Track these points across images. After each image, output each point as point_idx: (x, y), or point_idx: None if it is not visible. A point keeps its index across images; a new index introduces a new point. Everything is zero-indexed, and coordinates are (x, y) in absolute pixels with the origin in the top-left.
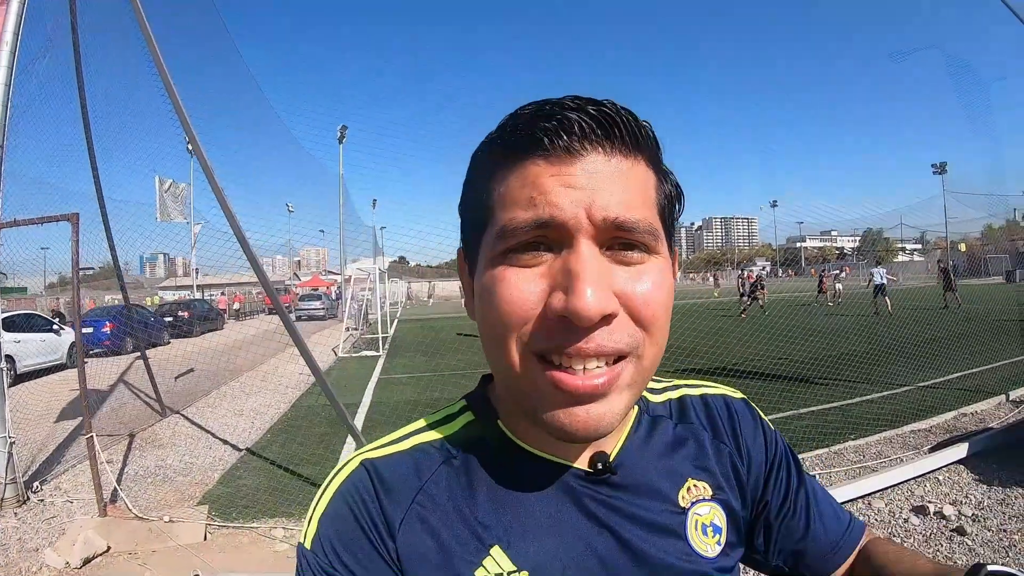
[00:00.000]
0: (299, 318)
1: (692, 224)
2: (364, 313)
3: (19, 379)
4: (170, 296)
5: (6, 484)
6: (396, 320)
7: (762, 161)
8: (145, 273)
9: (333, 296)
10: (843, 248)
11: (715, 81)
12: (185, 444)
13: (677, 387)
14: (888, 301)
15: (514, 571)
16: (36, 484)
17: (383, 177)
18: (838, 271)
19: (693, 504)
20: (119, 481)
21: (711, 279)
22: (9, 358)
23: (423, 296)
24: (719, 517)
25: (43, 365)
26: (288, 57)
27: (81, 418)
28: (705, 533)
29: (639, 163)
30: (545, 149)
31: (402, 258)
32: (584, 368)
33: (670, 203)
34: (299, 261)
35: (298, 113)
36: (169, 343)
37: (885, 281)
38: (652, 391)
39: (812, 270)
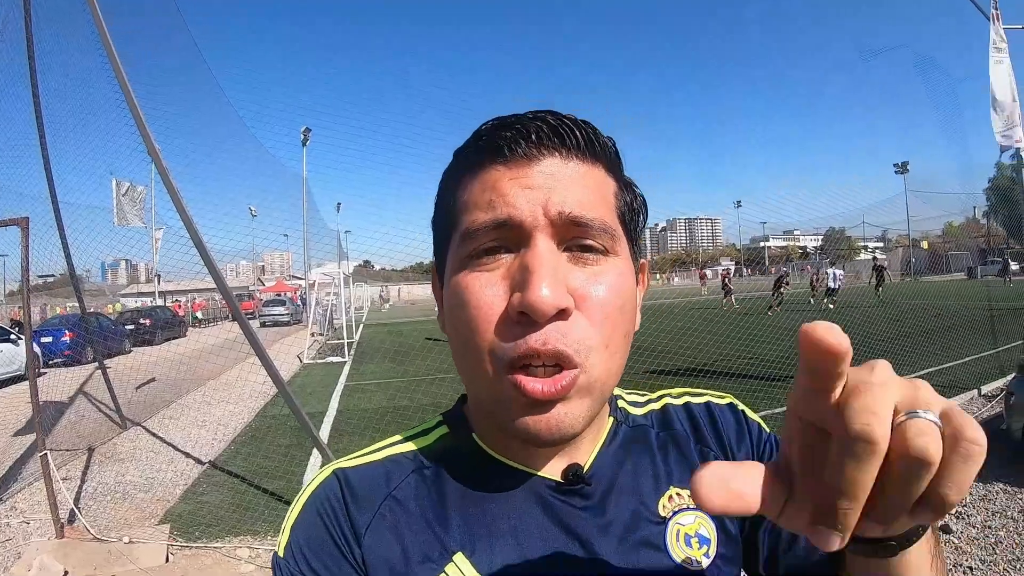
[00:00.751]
0: (263, 324)
1: (656, 225)
2: (329, 318)
3: None
4: (132, 303)
5: None
6: (362, 325)
7: (729, 160)
8: (107, 280)
9: (298, 301)
10: (806, 247)
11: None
12: (146, 458)
13: (660, 398)
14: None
15: None
16: None
17: (348, 180)
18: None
19: (675, 513)
20: (78, 498)
21: (673, 279)
22: None
23: (387, 301)
24: (707, 528)
25: (3, 376)
26: (250, 54)
27: (44, 432)
28: (689, 544)
29: (597, 169)
30: (504, 155)
31: (367, 262)
32: (544, 369)
33: (632, 212)
34: (263, 266)
35: (261, 113)
36: (130, 352)
37: (838, 285)
38: (634, 404)
39: (771, 269)
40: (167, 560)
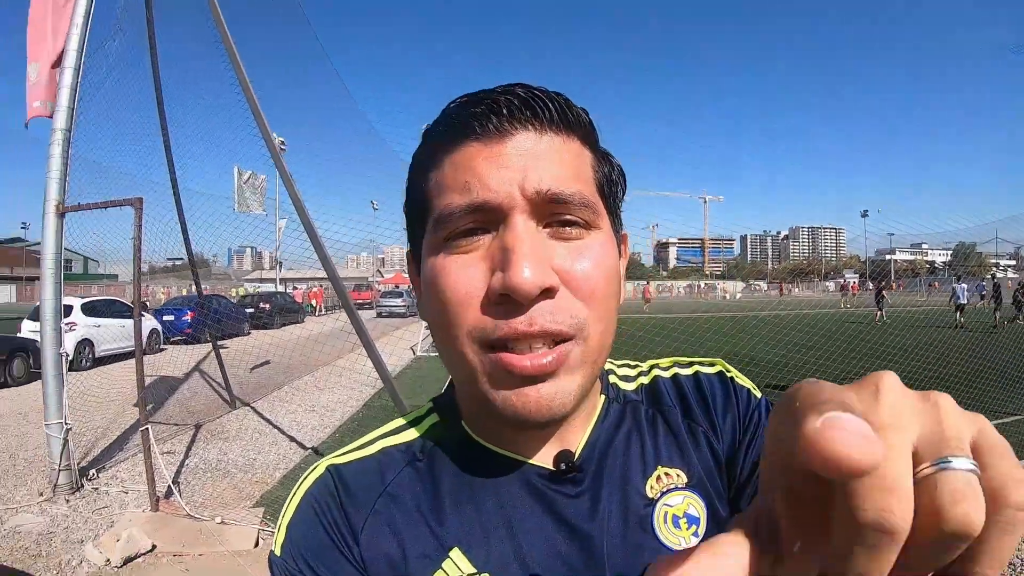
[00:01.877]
0: (380, 314)
1: (778, 233)
2: None
3: (98, 362)
4: (253, 289)
5: (60, 471)
6: None
7: (851, 169)
8: (233, 265)
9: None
10: (934, 262)
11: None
12: (251, 438)
13: (650, 370)
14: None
15: (474, 573)
16: (93, 472)
17: None
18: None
19: (663, 494)
20: (179, 472)
21: (792, 290)
22: (88, 342)
23: None
24: (695, 507)
25: (123, 350)
26: (375, 50)
27: (154, 405)
28: (677, 525)
29: (572, 141)
30: (476, 132)
31: None
32: (531, 347)
33: (610, 183)
34: (383, 258)
35: (383, 109)
36: (249, 334)
37: (966, 300)
38: (625, 379)
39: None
40: (256, 545)
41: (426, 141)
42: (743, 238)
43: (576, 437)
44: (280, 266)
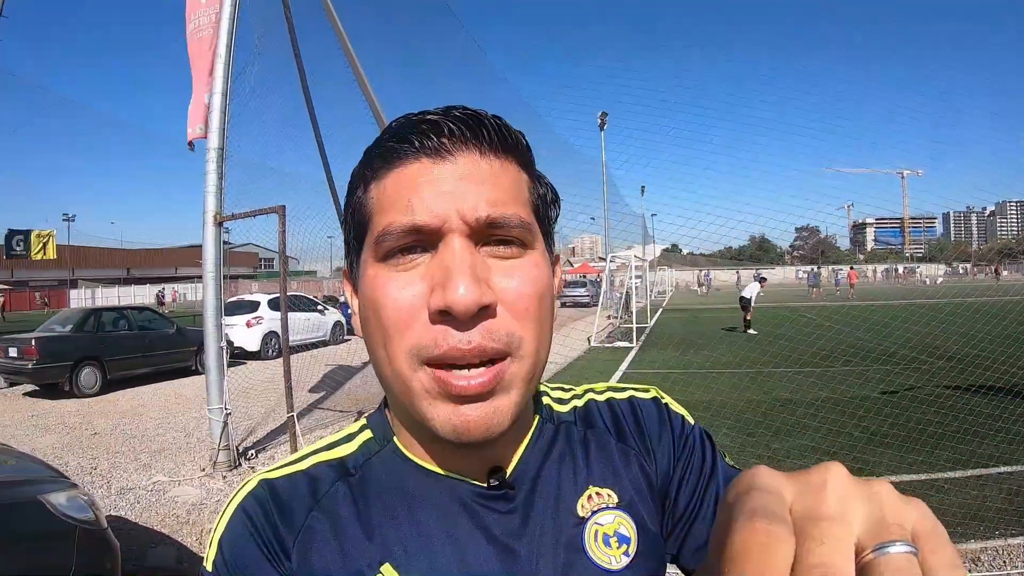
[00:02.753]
0: (563, 304)
1: (983, 209)
2: (625, 302)
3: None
4: None
5: (219, 449)
6: (660, 310)
7: None
8: None
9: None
10: None
11: None
12: None
13: (584, 393)
14: None
15: None
16: (252, 452)
17: (652, 162)
18: None
19: (594, 513)
20: None
21: (1001, 272)
22: (274, 334)
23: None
24: (626, 526)
25: (307, 340)
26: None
27: (326, 392)
28: (608, 544)
29: (510, 164)
30: (417, 151)
31: (674, 245)
32: (468, 368)
33: (545, 204)
34: (573, 248)
35: (555, 99)
36: None
37: None
38: (559, 401)
39: None
40: None
41: (368, 158)
42: (945, 216)
43: (509, 455)
44: None
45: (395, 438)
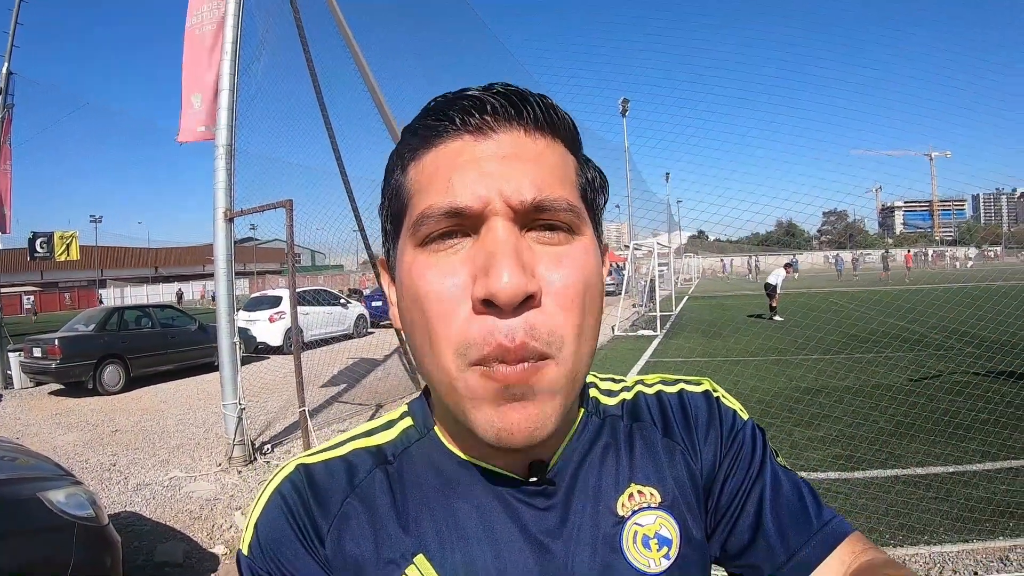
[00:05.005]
0: None
1: (1014, 190)
2: (649, 290)
3: (307, 347)
4: None
5: (234, 445)
6: (686, 298)
7: None
8: None
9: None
10: None
11: None
12: None
13: (634, 385)
14: None
15: None
16: (268, 447)
17: (678, 149)
18: None
19: (634, 513)
20: None
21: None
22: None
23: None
24: (668, 527)
25: (330, 334)
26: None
27: (346, 385)
28: (647, 546)
29: (556, 144)
30: (458, 129)
31: (701, 232)
32: (512, 362)
33: (593, 189)
34: None
35: (578, 86)
36: None
37: None
38: (608, 393)
39: None
40: None
41: (406, 137)
42: (974, 198)
43: (551, 449)
44: None
45: (436, 427)
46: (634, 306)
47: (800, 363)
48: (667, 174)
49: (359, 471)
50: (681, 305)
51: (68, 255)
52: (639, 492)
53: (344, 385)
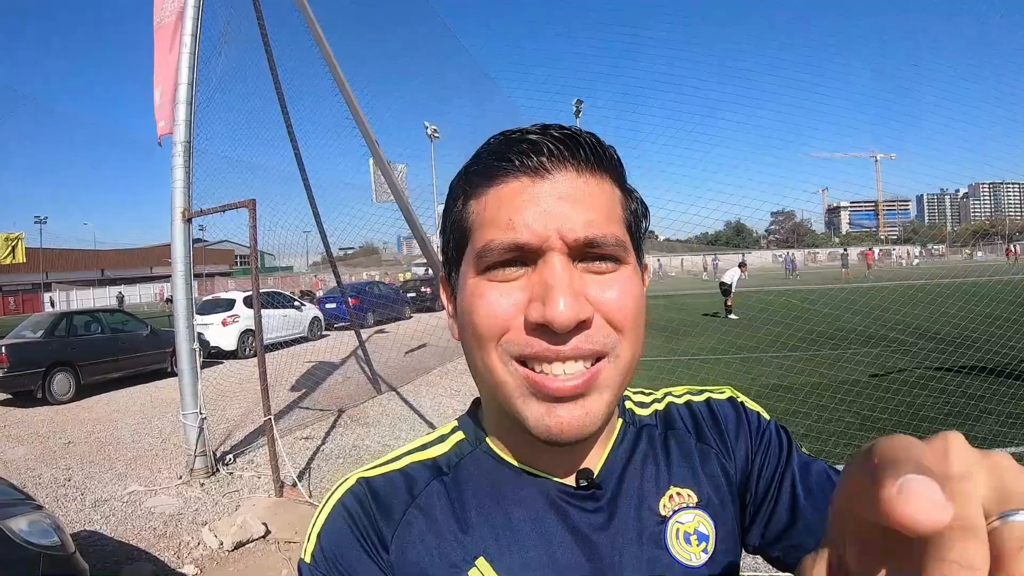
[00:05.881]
0: None
1: (957, 191)
2: None
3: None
4: (421, 271)
5: (196, 456)
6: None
7: None
8: (403, 251)
9: None
10: None
11: None
12: (390, 424)
13: (664, 397)
14: None
15: None
16: (230, 457)
17: (631, 146)
18: None
19: (675, 512)
20: (312, 458)
21: (976, 253)
22: (251, 332)
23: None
24: (705, 524)
25: (285, 338)
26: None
27: (305, 391)
28: (688, 541)
29: (605, 181)
30: (517, 170)
31: (651, 232)
32: (564, 371)
33: (636, 219)
34: None
35: (526, 85)
36: (411, 317)
37: None
38: (641, 404)
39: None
40: None
41: (467, 173)
42: (919, 198)
43: (596, 457)
44: (440, 250)
45: (487, 439)
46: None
47: (763, 360)
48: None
49: (418, 482)
50: None
51: (14, 258)
52: (678, 493)
53: (304, 390)
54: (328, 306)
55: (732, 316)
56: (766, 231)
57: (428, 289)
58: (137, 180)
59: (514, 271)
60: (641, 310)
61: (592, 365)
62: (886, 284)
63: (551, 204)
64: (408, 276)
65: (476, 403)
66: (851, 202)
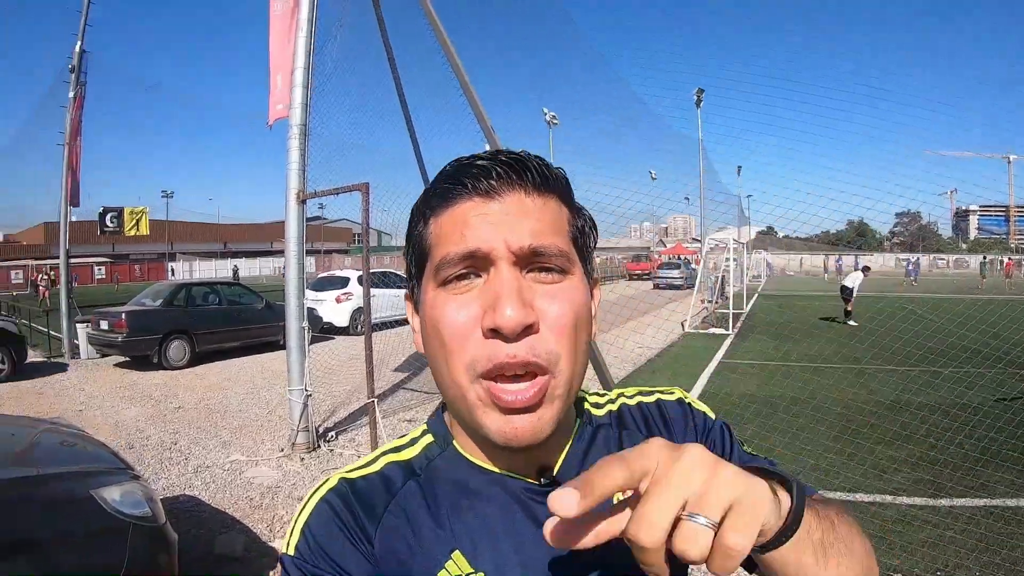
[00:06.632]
0: (656, 286)
1: None
2: (720, 286)
3: (374, 329)
4: None
5: (298, 431)
6: (756, 295)
7: None
8: None
9: (695, 266)
10: None
11: None
12: None
13: (617, 398)
14: None
15: (471, 572)
16: (332, 434)
17: (750, 140)
18: None
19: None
20: None
21: None
22: (363, 310)
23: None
24: None
25: (396, 317)
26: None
27: (411, 372)
28: None
29: (551, 200)
30: (470, 192)
31: (770, 228)
32: (516, 377)
33: (583, 235)
34: (666, 228)
35: (650, 75)
36: None
37: None
38: (596, 406)
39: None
40: None
41: (427, 197)
42: None
43: (555, 455)
44: None
45: (454, 441)
46: (703, 302)
47: (878, 374)
48: (739, 168)
49: (395, 482)
50: (752, 302)
51: (138, 230)
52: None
53: (410, 372)
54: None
55: (852, 322)
56: (890, 232)
57: None
58: (263, 160)
59: (468, 283)
60: (583, 320)
61: (537, 378)
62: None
63: (499, 218)
64: None
65: (442, 408)
66: (980, 206)
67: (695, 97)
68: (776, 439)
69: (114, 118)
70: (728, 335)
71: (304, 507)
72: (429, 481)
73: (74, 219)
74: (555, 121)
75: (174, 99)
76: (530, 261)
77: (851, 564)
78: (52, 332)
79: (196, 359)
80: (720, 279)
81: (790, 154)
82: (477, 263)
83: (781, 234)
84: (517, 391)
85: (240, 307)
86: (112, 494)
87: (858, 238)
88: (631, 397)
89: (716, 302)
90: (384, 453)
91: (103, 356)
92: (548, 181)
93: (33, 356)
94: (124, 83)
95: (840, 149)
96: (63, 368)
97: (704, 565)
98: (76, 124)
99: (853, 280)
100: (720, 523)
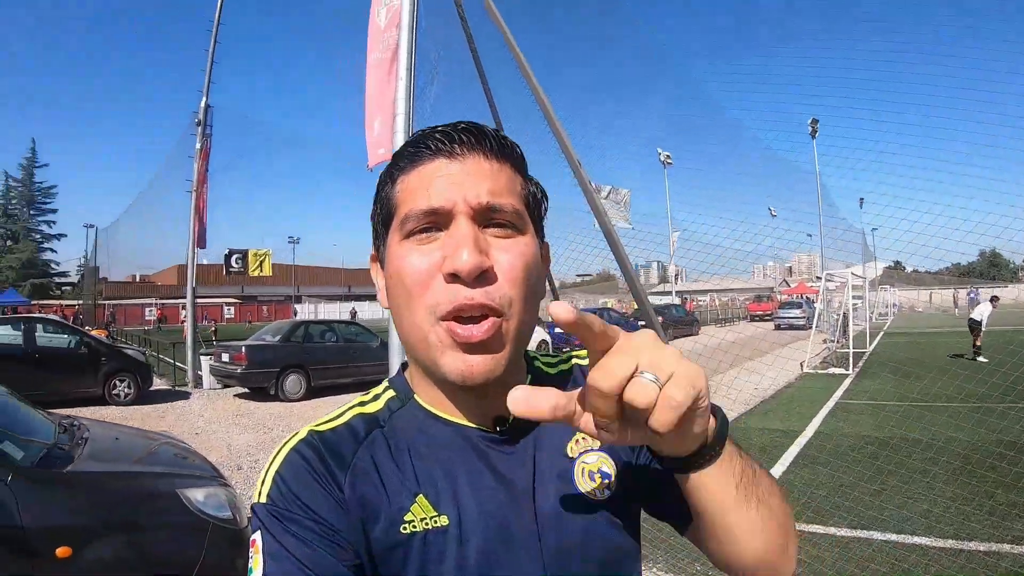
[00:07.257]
0: (778, 327)
1: None
2: (842, 324)
3: None
4: (656, 300)
5: None
6: (881, 333)
7: None
8: (642, 279)
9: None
10: None
11: None
12: None
13: (569, 359)
14: None
15: (435, 515)
16: None
17: (872, 169)
18: None
19: (581, 454)
20: None
21: None
22: None
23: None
24: (607, 464)
25: None
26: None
27: None
28: (592, 479)
29: (506, 166)
30: (434, 153)
31: (897, 263)
32: (473, 318)
33: (535, 200)
34: (790, 267)
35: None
36: None
37: None
38: (548, 364)
39: None
40: None
41: (395, 160)
42: None
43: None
44: (676, 278)
45: (415, 395)
46: (825, 342)
47: (1004, 412)
48: (861, 200)
49: (361, 432)
50: (876, 342)
51: (261, 271)
52: (583, 438)
53: None
54: (556, 330)
55: (981, 359)
56: None
57: (660, 317)
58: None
59: (430, 235)
60: (533, 272)
61: (491, 318)
62: None
63: (461, 178)
64: (635, 306)
65: (404, 367)
66: None
67: (810, 128)
68: (888, 481)
69: (259, 168)
70: (848, 375)
71: (275, 458)
72: (392, 431)
73: (204, 262)
74: (669, 161)
75: (299, 144)
76: (487, 217)
77: (770, 516)
78: (178, 363)
79: (311, 392)
80: (841, 317)
81: (919, 182)
82: (439, 218)
83: (909, 268)
84: (473, 327)
85: (356, 345)
86: (196, 495)
87: (991, 268)
88: (583, 359)
89: (837, 341)
90: (350, 407)
91: (224, 387)
92: (504, 149)
93: (159, 384)
94: (266, 139)
95: (975, 172)
96: (186, 396)
97: (649, 421)
98: (203, 172)
99: (981, 312)
100: (665, 384)
